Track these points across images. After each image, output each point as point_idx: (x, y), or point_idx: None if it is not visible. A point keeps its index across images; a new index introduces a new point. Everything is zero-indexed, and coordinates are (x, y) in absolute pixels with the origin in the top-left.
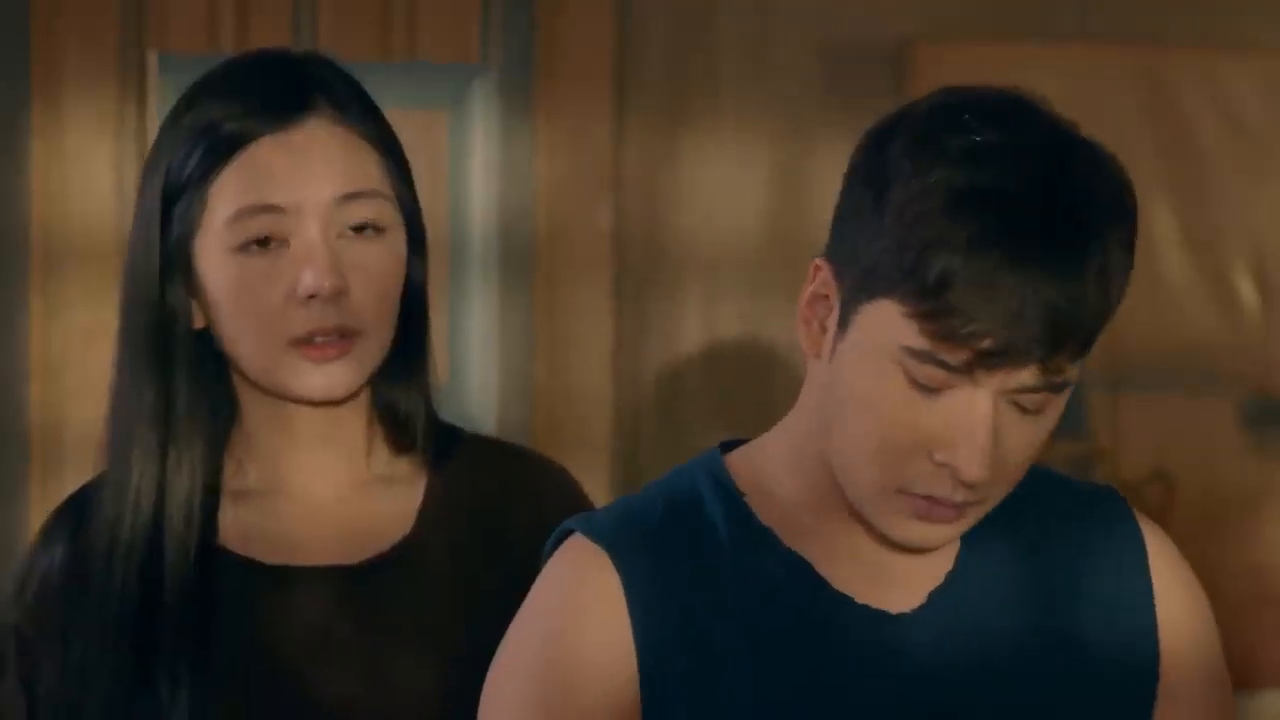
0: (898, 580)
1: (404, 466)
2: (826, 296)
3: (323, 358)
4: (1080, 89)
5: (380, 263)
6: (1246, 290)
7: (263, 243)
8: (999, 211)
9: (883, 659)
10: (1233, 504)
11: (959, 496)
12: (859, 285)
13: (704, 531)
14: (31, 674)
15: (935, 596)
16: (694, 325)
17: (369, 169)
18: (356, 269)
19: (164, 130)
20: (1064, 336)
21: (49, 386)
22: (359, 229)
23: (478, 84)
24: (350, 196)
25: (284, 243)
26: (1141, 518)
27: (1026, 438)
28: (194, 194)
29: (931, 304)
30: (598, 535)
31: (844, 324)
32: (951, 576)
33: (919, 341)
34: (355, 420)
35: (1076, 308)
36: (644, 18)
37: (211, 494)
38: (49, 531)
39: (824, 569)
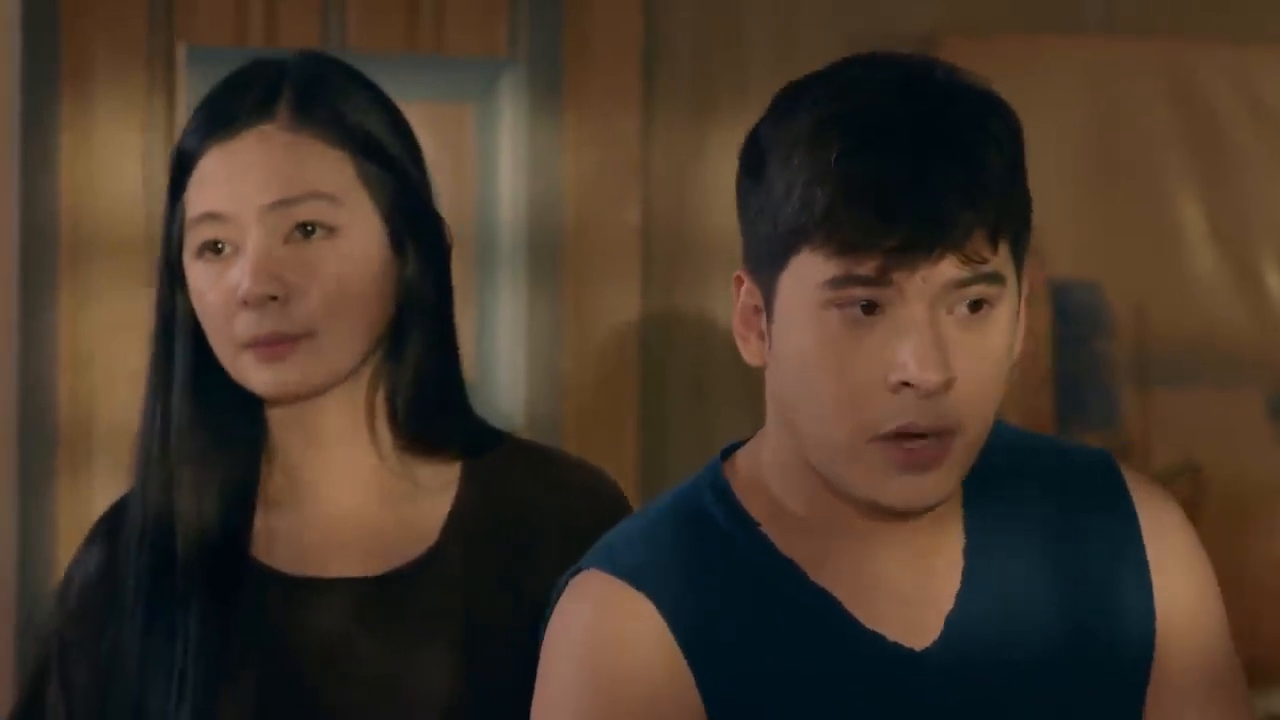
0: (914, 606)
1: (433, 473)
2: (756, 306)
3: (268, 357)
4: (1105, 82)
5: (331, 264)
6: (1274, 282)
7: (216, 249)
8: (859, 120)
9: (913, 698)
10: (1262, 495)
11: (927, 420)
12: (770, 264)
13: (731, 565)
14: (70, 674)
15: (950, 621)
16: (722, 319)
17: (319, 172)
18: (302, 271)
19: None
20: (954, 213)
21: (77, 379)
22: (309, 231)
23: (505, 78)
24: (286, 202)
25: (235, 248)
26: (1137, 485)
27: (977, 350)
28: (180, 196)
29: (823, 226)
30: (619, 570)
31: (770, 309)
32: (961, 595)
33: (830, 269)
34: (358, 419)
35: (956, 183)
36: (672, 11)
37: (240, 501)
38: (90, 538)
39: (851, 605)
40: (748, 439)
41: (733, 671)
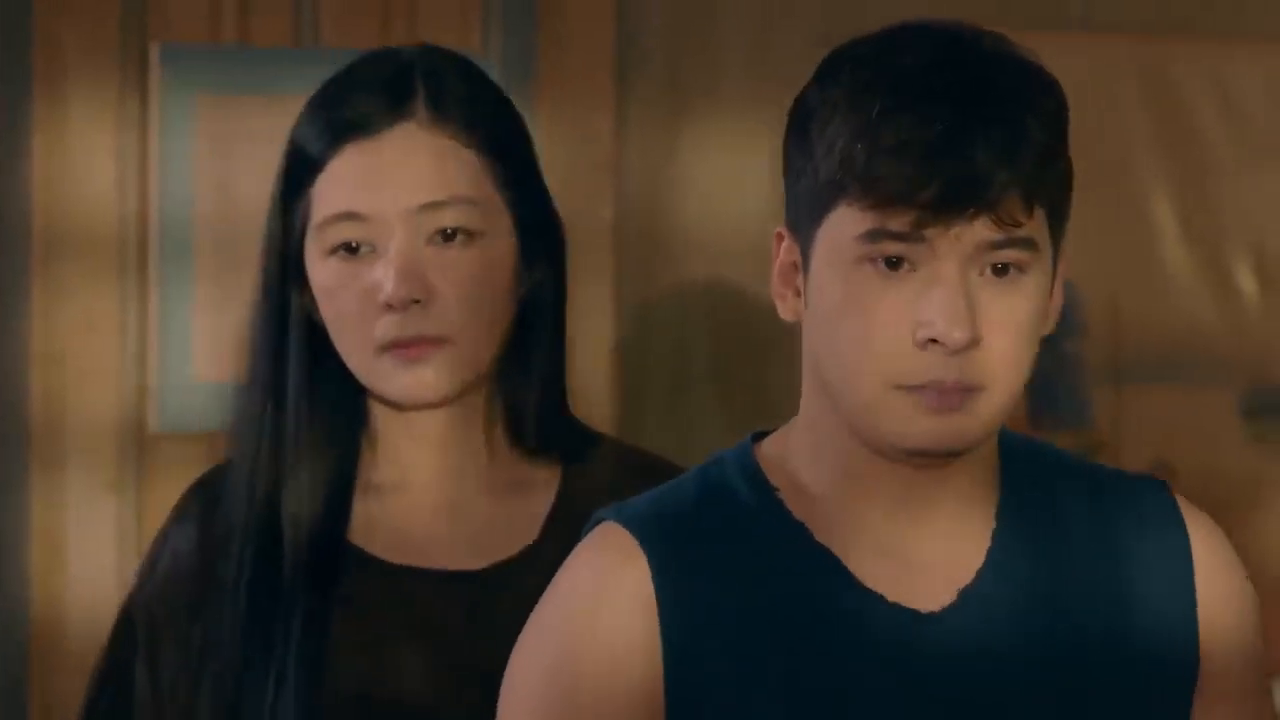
0: (928, 576)
1: (535, 471)
2: (794, 263)
3: (407, 359)
4: (1083, 79)
5: (471, 269)
6: (1247, 281)
7: (352, 248)
8: (901, 80)
9: (912, 659)
10: (1233, 494)
11: (952, 376)
12: (809, 219)
13: (737, 524)
14: (159, 652)
15: (966, 594)
16: (697, 316)
17: (462, 175)
18: (444, 275)
19: (296, 123)
20: (990, 172)
21: (50, 376)
22: (450, 236)
23: None
24: (434, 205)
25: (373, 249)
26: (1188, 507)
27: (1006, 313)
28: (304, 193)
29: (861, 180)
30: (629, 523)
31: (807, 266)
32: (982, 573)
33: (865, 222)
34: (474, 420)
35: (994, 144)
36: (645, 10)
37: (341, 487)
38: (180, 512)
39: (854, 566)
40: (775, 428)
41: (713, 639)
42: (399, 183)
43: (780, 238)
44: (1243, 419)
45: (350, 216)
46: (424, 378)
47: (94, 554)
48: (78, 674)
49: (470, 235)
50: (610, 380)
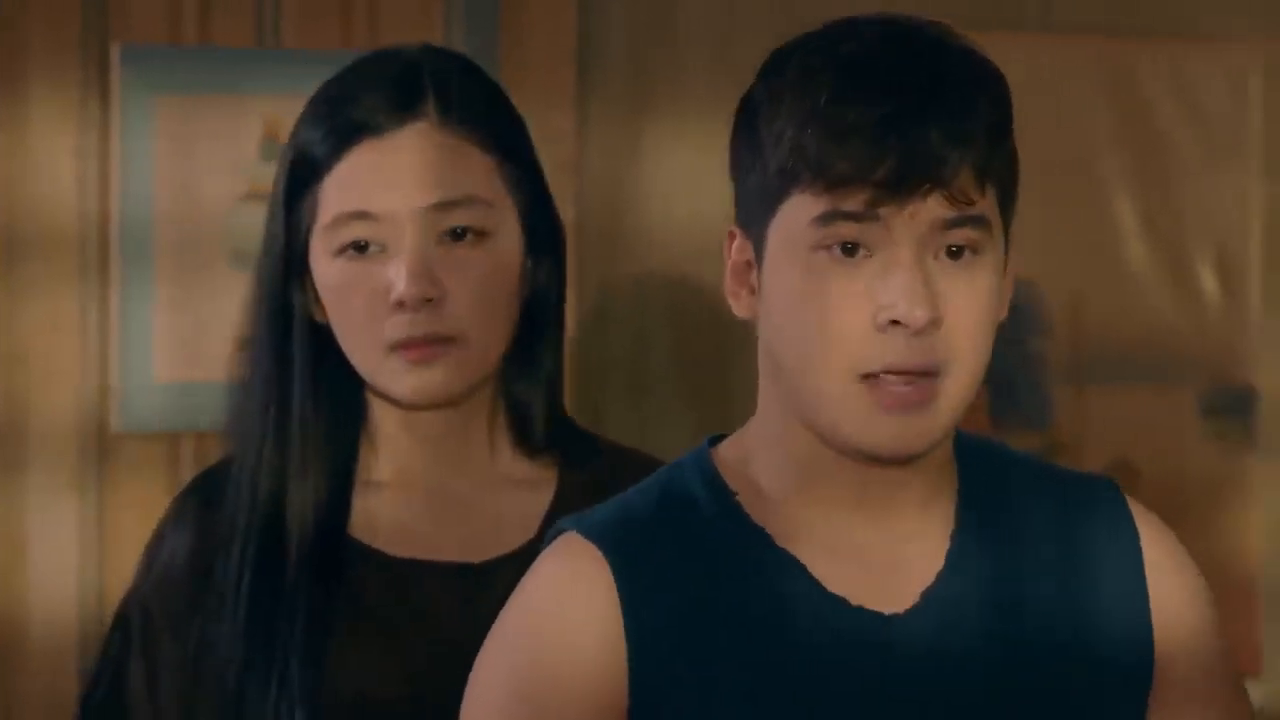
0: (889, 577)
1: (533, 469)
2: (747, 261)
3: (418, 359)
4: (1043, 79)
5: (481, 268)
6: (1208, 280)
7: (361, 248)
8: (849, 65)
9: (876, 661)
10: (1194, 493)
11: (914, 359)
12: (761, 213)
13: (698, 531)
14: (155, 650)
15: (927, 595)
16: (657, 315)
17: (472, 175)
18: (455, 275)
19: (297, 124)
20: (942, 150)
21: (11, 379)
22: (459, 235)
23: None
24: (445, 204)
25: (382, 248)
26: (1138, 507)
27: (964, 293)
28: (310, 190)
29: (813, 165)
30: (590, 532)
31: (760, 260)
32: (943, 574)
33: (819, 205)
34: (478, 419)
35: (944, 122)
36: (606, 9)
37: (341, 483)
38: (178, 510)
39: (817, 570)
40: (732, 431)
41: (677, 647)
42: (411, 182)
43: (732, 237)
44: (1204, 418)
45: (362, 216)
46: (433, 378)
47: (55, 554)
48: (39, 675)
49: (480, 235)
50: (569, 381)
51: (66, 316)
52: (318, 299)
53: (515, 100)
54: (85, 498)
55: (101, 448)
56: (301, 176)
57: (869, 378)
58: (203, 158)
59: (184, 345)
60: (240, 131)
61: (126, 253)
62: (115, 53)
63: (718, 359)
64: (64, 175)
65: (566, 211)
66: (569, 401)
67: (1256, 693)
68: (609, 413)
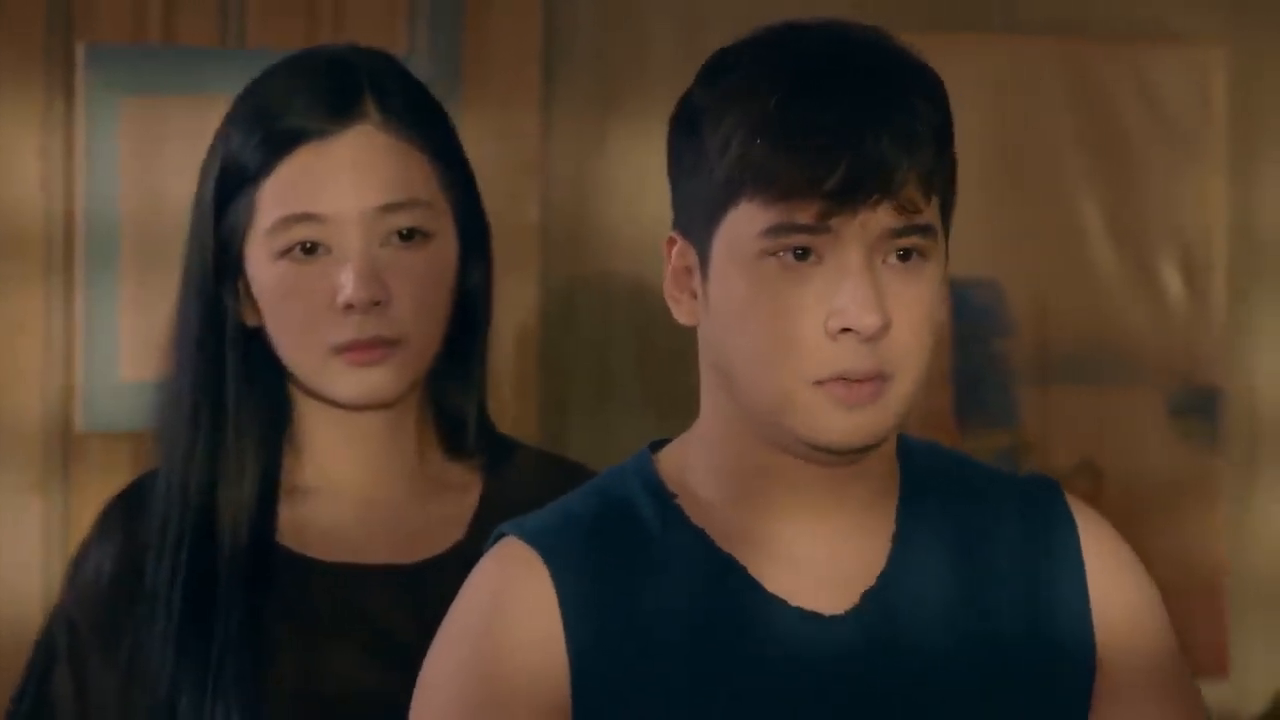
0: (830, 578)
1: (459, 472)
2: (688, 267)
3: (363, 361)
4: (1007, 80)
5: (424, 270)
6: (1173, 281)
7: (308, 249)
8: (794, 72)
9: (816, 661)
10: (1160, 493)
11: (864, 365)
12: (706, 220)
13: (637, 534)
14: (82, 663)
15: (868, 595)
16: (621, 316)
17: (413, 176)
18: (399, 276)
19: (222, 125)
20: (892, 159)
21: None
22: (407, 236)
23: None
24: (392, 206)
25: (327, 250)
26: (1078, 505)
27: (911, 297)
28: (244, 195)
29: (761, 175)
30: (530, 537)
31: (705, 267)
32: (884, 577)
33: (769, 217)
34: (407, 422)
35: (892, 131)
36: (572, 9)
37: (268, 490)
38: (104, 522)
39: (757, 571)
40: (674, 437)
41: (617, 649)
42: (357, 184)
43: (672, 242)
44: (1169, 418)
45: (307, 218)
46: (376, 379)
47: (19, 554)
48: (3, 674)
49: (425, 236)
50: (533, 379)
51: (31, 316)
52: (251, 302)
53: (480, 100)
54: (50, 498)
55: (66, 447)
56: (233, 181)
57: (820, 383)
58: (168, 158)
59: (149, 345)
60: (205, 131)
61: (92, 253)
62: (80, 53)
63: (682, 359)
64: (29, 176)
65: (531, 211)
66: (535, 401)
67: (1224, 693)
68: (573, 412)
